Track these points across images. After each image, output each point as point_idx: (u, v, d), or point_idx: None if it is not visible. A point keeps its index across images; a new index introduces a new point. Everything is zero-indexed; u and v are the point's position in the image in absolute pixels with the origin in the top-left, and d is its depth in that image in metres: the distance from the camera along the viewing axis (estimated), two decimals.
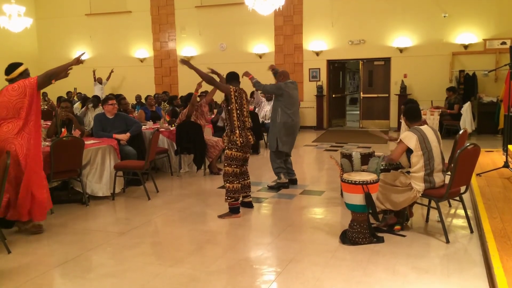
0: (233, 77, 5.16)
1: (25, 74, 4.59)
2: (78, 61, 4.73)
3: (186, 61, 5.18)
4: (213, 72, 5.82)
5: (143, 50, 14.95)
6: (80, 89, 14.44)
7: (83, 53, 5.08)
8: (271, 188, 6.27)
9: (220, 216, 5.01)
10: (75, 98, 13.46)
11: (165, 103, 10.50)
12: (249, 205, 5.34)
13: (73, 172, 5.47)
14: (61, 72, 4.62)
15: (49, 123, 7.62)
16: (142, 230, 4.67)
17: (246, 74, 6.14)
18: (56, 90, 14.70)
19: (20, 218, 4.49)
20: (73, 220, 5.03)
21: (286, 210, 5.34)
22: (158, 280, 3.48)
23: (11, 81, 4.55)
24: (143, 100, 11.52)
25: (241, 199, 5.27)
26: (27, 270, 3.72)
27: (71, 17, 15.59)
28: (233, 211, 5.02)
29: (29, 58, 15.94)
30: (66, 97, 12.46)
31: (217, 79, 5.61)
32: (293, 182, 6.43)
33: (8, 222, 4.57)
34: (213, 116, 9.12)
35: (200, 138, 7.05)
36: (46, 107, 12.27)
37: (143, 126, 7.35)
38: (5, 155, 3.95)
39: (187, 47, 14.49)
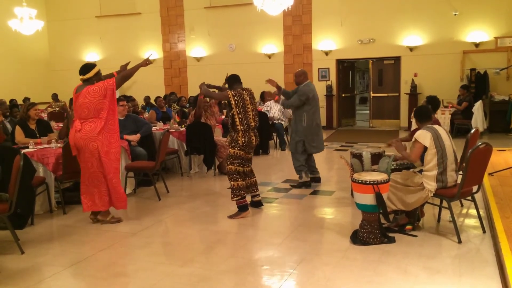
0: (233, 80, 5.12)
1: (99, 74, 4.81)
2: (147, 62, 4.99)
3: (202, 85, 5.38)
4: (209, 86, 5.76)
5: (152, 51, 15.00)
6: None
7: (151, 54, 5.35)
8: (294, 187, 6.30)
9: (230, 217, 5.03)
10: None
11: (175, 104, 10.55)
12: (258, 204, 5.35)
13: None
14: (134, 73, 4.88)
15: (61, 125, 7.69)
16: (152, 230, 4.70)
17: (273, 88, 6.17)
18: (67, 92, 14.86)
19: (100, 209, 4.86)
20: (84, 220, 5.06)
21: (296, 210, 5.33)
22: (169, 279, 3.50)
23: (86, 81, 4.73)
24: (152, 101, 11.57)
25: (250, 198, 5.29)
26: (40, 270, 3.76)
27: (81, 19, 15.72)
28: (242, 209, 5.03)
29: (40, 60, 16.15)
30: None
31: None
32: (316, 180, 6.45)
33: (20, 223, 4.63)
34: (223, 117, 9.14)
35: (210, 139, 7.07)
36: (58, 108, 12.41)
37: (153, 127, 7.39)
38: (19, 156, 3.99)
39: (196, 48, 14.54)
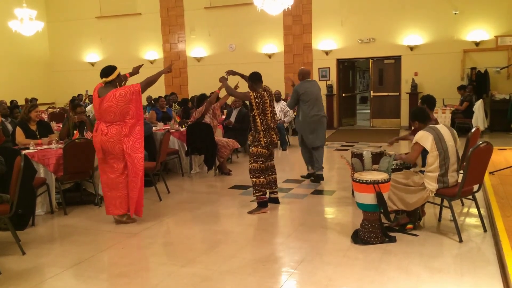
0: (256, 78, 5.25)
1: (120, 76, 4.83)
2: (169, 69, 5.11)
3: (227, 76, 5.58)
4: (234, 73, 5.74)
5: (153, 51, 15.04)
6: (91, 92, 14.56)
7: (173, 63, 5.53)
8: (303, 177, 6.69)
9: (250, 212, 5.16)
10: (87, 100, 13.58)
11: (176, 105, 10.55)
12: (275, 201, 5.45)
13: (85, 173, 5.52)
14: (157, 79, 4.91)
15: (61, 126, 7.68)
16: (154, 231, 4.70)
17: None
18: (69, 92, 14.86)
19: (119, 213, 4.86)
20: (85, 221, 5.08)
21: (297, 210, 5.33)
22: (171, 280, 3.50)
23: (108, 83, 4.75)
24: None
25: (268, 195, 5.39)
26: (41, 271, 3.77)
27: (81, 20, 15.73)
28: (261, 205, 5.18)
29: (41, 61, 16.16)
30: (77, 99, 12.59)
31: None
32: (319, 177, 6.50)
33: (21, 224, 4.63)
34: (223, 117, 9.14)
35: (210, 139, 7.07)
36: (58, 109, 12.42)
37: (154, 127, 7.39)
38: (19, 157, 3.99)
39: (196, 48, 14.55)
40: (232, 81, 5.61)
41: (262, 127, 5.13)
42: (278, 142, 9.80)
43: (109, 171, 4.77)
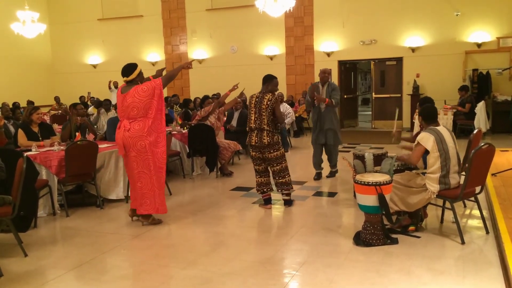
0: (263, 80, 5.46)
1: (141, 74, 4.85)
2: (189, 65, 5.19)
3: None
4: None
5: (154, 53, 15.05)
6: (93, 94, 14.59)
7: (194, 60, 5.94)
8: (329, 177, 6.97)
9: (260, 205, 5.54)
10: (89, 102, 13.60)
11: (177, 106, 10.56)
12: (287, 202, 5.55)
13: (87, 175, 5.53)
14: (177, 74, 5.01)
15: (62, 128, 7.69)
16: (155, 233, 4.71)
17: (320, 99, 6.45)
18: (69, 94, 14.88)
19: (148, 212, 4.86)
20: (87, 223, 5.09)
21: (298, 212, 5.33)
22: (172, 282, 3.50)
23: (129, 82, 4.77)
24: None
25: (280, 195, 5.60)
26: (43, 273, 3.77)
27: (83, 22, 15.77)
28: (265, 202, 5.49)
29: (43, 63, 16.20)
30: (79, 102, 12.60)
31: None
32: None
33: (23, 226, 4.63)
34: (224, 119, 9.14)
35: (212, 141, 7.08)
36: (60, 111, 12.44)
37: None
38: (21, 159, 4.00)
39: (198, 50, 14.56)
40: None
41: (248, 128, 5.40)
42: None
43: (132, 167, 4.76)
